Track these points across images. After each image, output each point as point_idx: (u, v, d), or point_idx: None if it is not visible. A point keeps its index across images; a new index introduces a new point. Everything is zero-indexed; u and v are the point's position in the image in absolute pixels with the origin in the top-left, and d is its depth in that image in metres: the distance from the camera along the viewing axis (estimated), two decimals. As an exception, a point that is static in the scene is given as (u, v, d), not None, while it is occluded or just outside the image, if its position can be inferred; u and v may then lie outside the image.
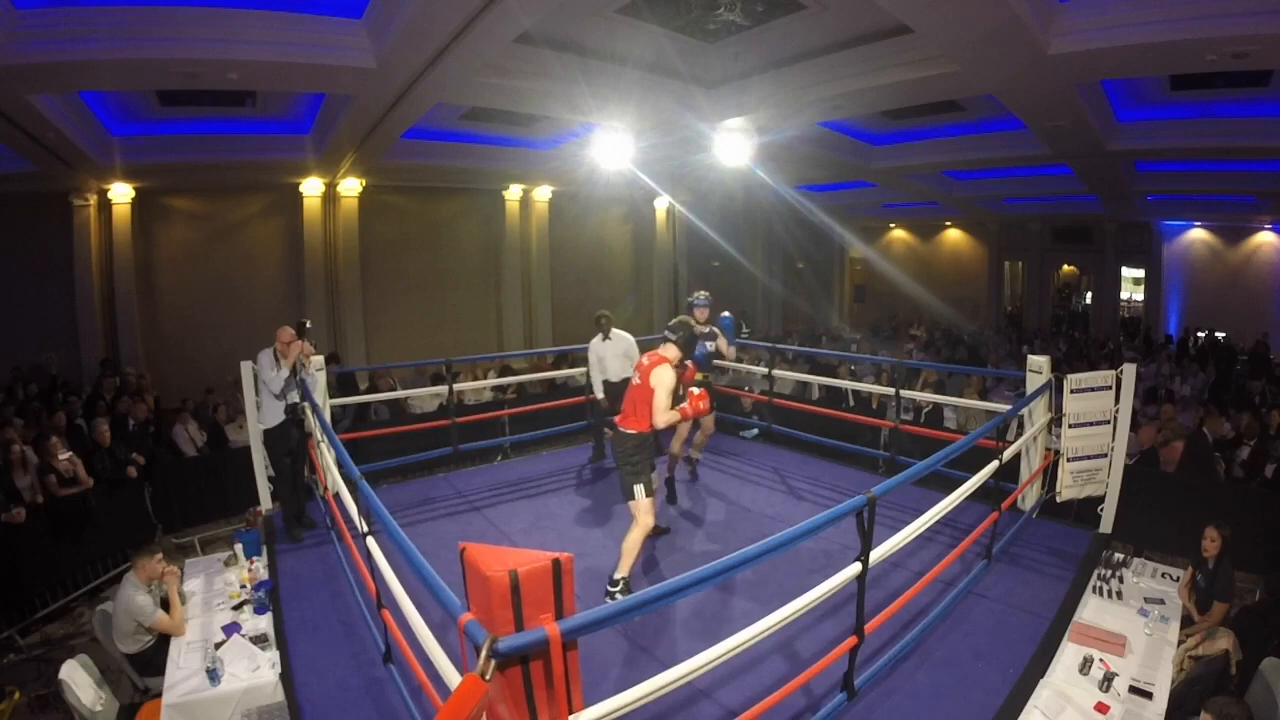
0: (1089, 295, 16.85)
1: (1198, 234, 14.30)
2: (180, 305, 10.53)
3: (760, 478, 6.05)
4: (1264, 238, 13.41)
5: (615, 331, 6.27)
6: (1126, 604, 3.80)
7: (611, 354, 6.25)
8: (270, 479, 5.34)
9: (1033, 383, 5.10)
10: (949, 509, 3.46)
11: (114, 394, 8.26)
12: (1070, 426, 4.72)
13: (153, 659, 3.69)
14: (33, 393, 8.26)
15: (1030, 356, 5.28)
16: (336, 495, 4.31)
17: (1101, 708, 2.97)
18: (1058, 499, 4.83)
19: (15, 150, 7.76)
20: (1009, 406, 4.95)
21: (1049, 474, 5.04)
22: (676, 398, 4.03)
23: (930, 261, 18.57)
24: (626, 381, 5.40)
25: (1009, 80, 6.86)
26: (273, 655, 3.51)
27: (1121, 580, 3.98)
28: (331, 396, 5.96)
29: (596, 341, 6.29)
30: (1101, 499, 4.80)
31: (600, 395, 6.28)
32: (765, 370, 6.94)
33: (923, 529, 3.27)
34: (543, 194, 13.36)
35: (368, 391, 8.18)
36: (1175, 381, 10.22)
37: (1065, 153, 9.50)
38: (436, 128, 9.58)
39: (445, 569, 2.32)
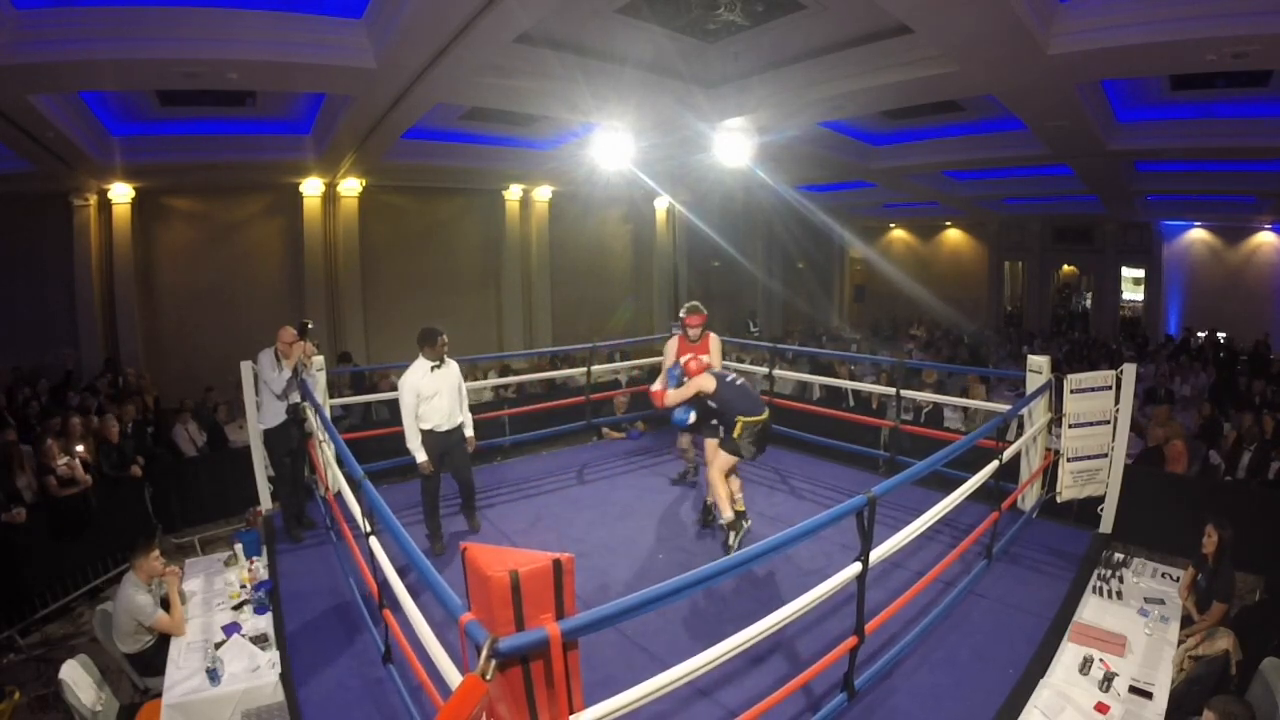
0: (1089, 295, 16.86)
1: (1198, 234, 14.30)
2: (180, 305, 10.53)
3: (760, 478, 6.04)
4: (1264, 238, 13.41)
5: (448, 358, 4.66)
6: (1126, 604, 3.80)
7: (447, 388, 4.59)
8: (270, 479, 5.34)
9: (1033, 383, 5.10)
10: (949, 509, 3.46)
11: (109, 394, 8.27)
12: (1070, 426, 4.72)
13: (153, 659, 3.69)
14: (44, 389, 8.27)
15: (1030, 356, 5.28)
16: (338, 495, 4.32)
17: (1101, 708, 2.97)
18: (1058, 499, 4.83)
19: (15, 150, 7.76)
20: (1009, 406, 4.96)
21: (1049, 474, 5.04)
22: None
23: (930, 261, 18.57)
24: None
25: (1009, 80, 6.86)
26: (273, 655, 3.51)
27: (1121, 580, 3.98)
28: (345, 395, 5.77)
29: (422, 372, 4.49)
30: (1101, 499, 4.80)
31: (423, 458, 4.49)
32: (765, 370, 6.94)
33: (923, 529, 3.27)
34: (543, 194, 13.37)
35: (368, 391, 8.21)
36: (1175, 381, 10.22)
37: (1065, 153, 9.51)
38: (436, 128, 9.58)
39: (445, 569, 2.32)
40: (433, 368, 4.54)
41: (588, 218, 14.15)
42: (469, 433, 4.90)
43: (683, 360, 4.84)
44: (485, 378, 8.92)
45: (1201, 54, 5.75)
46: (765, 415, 4.43)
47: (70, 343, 9.71)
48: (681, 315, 5.24)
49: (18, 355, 9.02)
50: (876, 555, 2.90)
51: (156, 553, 3.80)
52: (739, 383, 4.55)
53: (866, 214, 18.29)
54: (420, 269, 12.37)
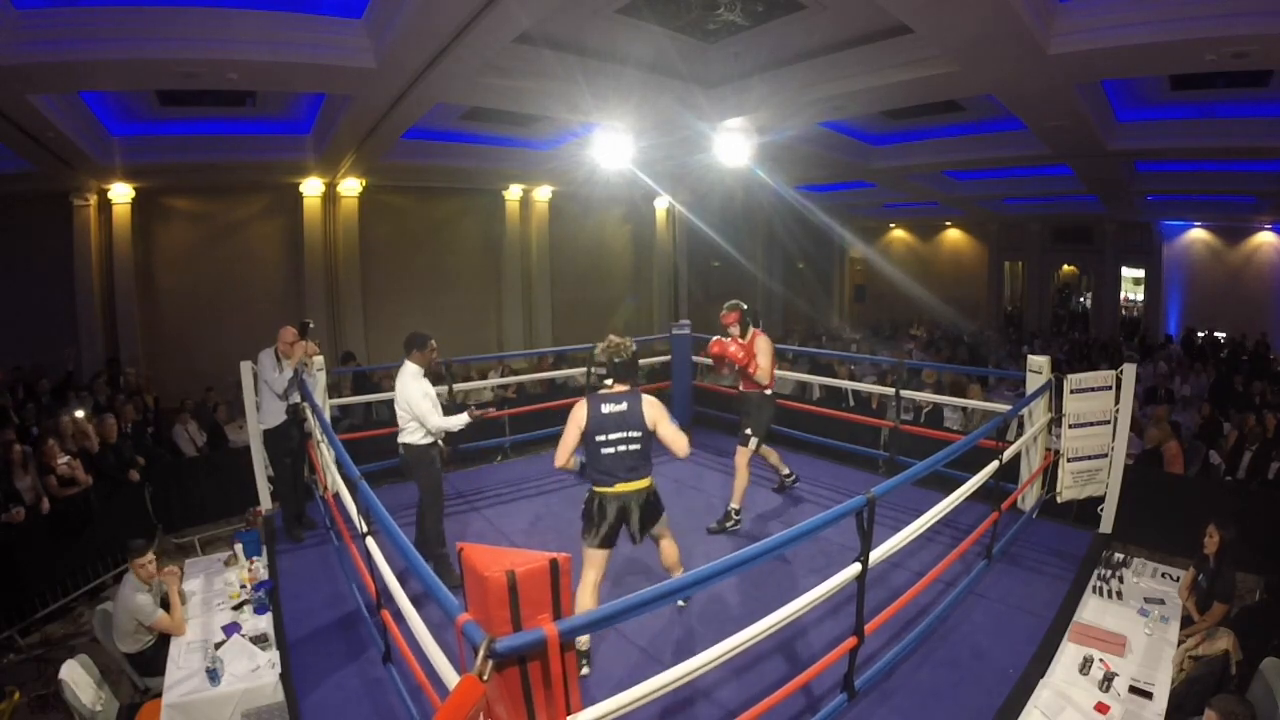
0: (1089, 295, 16.85)
1: (1198, 234, 14.29)
2: (180, 305, 10.53)
3: (760, 478, 6.03)
4: (1264, 238, 13.40)
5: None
6: (1126, 604, 3.79)
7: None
8: (270, 479, 5.34)
9: (1033, 383, 5.09)
10: (949, 509, 3.46)
11: (107, 395, 8.26)
12: (1070, 427, 4.72)
13: (153, 659, 3.69)
14: (45, 389, 8.26)
15: (1030, 356, 5.27)
16: (336, 495, 4.31)
17: (1101, 708, 2.97)
18: (1058, 499, 4.83)
19: (15, 150, 7.76)
20: (1009, 406, 4.95)
21: (1049, 474, 5.04)
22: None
23: (930, 261, 18.56)
24: None
25: (1009, 80, 6.85)
26: (273, 655, 3.51)
27: (1121, 580, 3.98)
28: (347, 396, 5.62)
29: (420, 377, 4.14)
30: (1101, 499, 4.80)
31: (463, 419, 4.13)
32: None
33: (923, 529, 3.27)
34: (543, 194, 13.36)
35: (372, 392, 8.20)
36: (1175, 381, 10.21)
37: (1065, 153, 9.50)
38: (436, 128, 9.57)
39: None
40: (422, 372, 4.16)
41: (588, 218, 14.14)
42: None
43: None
44: (485, 377, 8.92)
45: (1201, 54, 5.74)
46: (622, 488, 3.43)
47: (70, 343, 9.70)
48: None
49: (18, 355, 9.02)
50: (876, 555, 2.91)
51: (150, 557, 3.79)
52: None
53: (866, 214, 18.28)
54: (420, 269, 12.36)
